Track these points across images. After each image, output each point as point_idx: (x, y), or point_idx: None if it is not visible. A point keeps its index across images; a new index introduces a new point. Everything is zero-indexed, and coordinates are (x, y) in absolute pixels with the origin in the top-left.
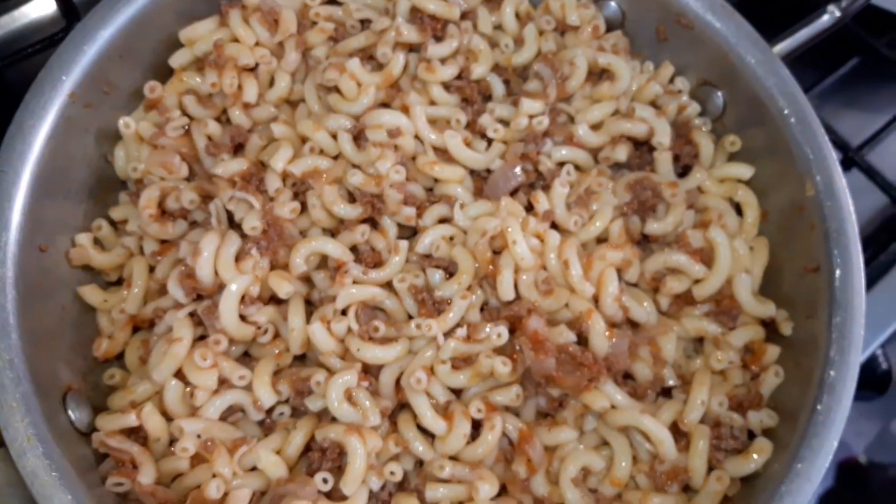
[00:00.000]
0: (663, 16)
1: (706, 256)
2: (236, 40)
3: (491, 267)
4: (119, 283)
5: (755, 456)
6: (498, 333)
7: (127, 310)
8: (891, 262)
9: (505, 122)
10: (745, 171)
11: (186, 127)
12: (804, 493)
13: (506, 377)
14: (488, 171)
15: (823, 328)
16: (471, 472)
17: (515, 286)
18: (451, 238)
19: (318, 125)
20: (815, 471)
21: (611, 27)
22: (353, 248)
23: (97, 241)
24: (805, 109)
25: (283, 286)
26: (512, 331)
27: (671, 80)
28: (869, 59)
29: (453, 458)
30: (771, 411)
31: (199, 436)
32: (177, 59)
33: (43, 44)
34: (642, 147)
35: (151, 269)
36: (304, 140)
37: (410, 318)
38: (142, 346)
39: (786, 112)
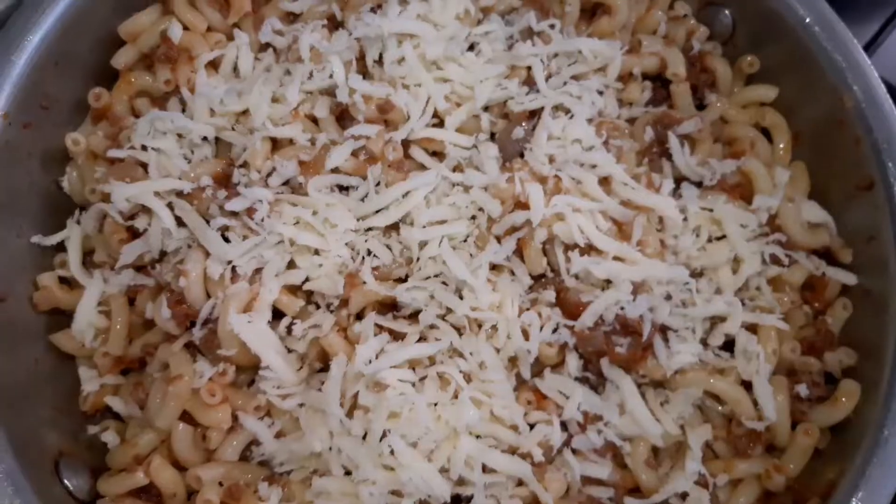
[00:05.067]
0: None
1: (745, 191)
2: (186, 28)
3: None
4: None
5: (843, 400)
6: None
7: (111, 352)
8: None
9: None
10: (768, 92)
11: None
12: None
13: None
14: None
15: (891, 248)
16: None
17: (545, 254)
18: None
19: (296, 112)
20: None
21: None
22: None
23: (62, 280)
24: (828, 15)
25: (293, 302)
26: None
27: (671, 6)
28: None
29: None
30: (848, 349)
31: (220, 483)
32: (120, 59)
33: None
34: (655, 82)
35: (130, 302)
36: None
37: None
38: (135, 390)
39: (808, 21)
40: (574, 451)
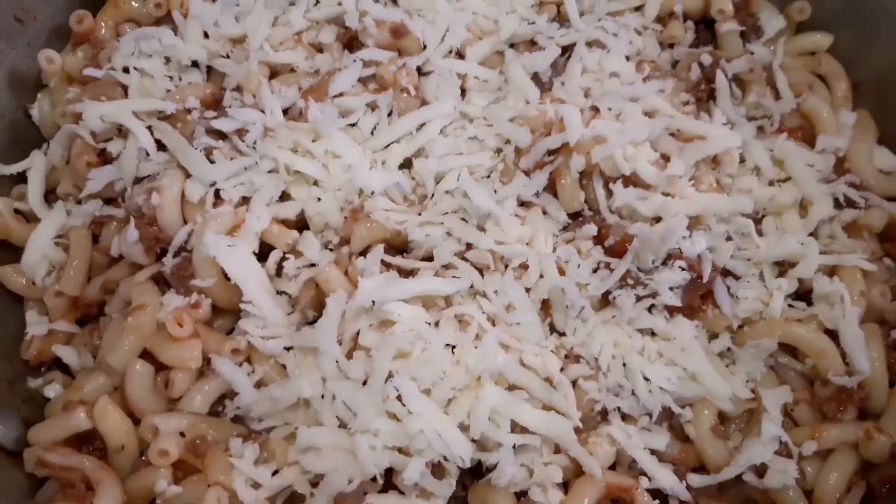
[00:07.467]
0: None
1: (806, 134)
2: None
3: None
4: None
5: None
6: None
7: (65, 291)
8: None
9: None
10: (822, 40)
11: None
12: None
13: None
14: None
15: None
16: None
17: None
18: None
19: (298, 37)
20: None
21: None
22: None
23: (18, 213)
24: None
25: (286, 233)
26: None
27: None
28: None
29: None
30: None
31: (182, 434)
32: None
33: None
34: (697, 26)
35: (95, 240)
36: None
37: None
38: (91, 337)
39: None
40: (624, 417)
